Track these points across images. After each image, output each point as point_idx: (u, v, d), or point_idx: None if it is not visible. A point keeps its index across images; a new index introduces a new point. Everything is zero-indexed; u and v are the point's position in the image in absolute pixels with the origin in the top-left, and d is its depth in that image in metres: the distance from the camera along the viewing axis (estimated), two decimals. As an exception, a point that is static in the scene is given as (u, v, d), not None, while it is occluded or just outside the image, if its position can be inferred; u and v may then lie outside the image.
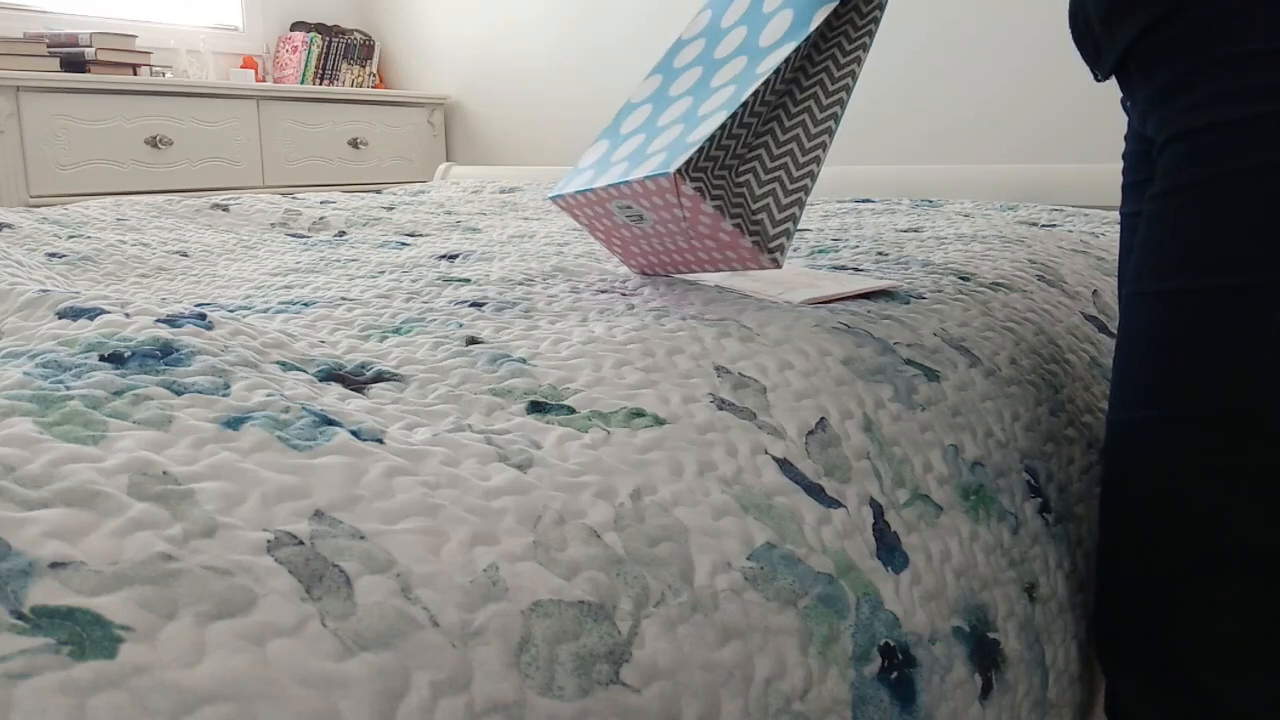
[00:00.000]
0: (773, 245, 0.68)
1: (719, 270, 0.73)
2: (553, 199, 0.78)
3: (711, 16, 0.81)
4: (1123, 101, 0.70)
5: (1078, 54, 0.85)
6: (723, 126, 0.65)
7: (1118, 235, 1.26)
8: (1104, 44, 0.63)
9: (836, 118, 0.72)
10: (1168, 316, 0.57)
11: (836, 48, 0.74)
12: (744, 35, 0.76)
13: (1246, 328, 0.53)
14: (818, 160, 0.71)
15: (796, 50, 0.70)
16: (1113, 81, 0.76)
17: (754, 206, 0.69)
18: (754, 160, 0.70)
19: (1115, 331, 0.93)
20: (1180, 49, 0.56)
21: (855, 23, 0.74)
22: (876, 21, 0.73)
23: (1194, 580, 0.56)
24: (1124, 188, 0.74)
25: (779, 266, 0.68)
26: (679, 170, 0.63)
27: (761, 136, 0.71)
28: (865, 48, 0.73)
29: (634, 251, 0.78)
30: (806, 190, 0.70)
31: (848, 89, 0.72)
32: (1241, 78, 0.53)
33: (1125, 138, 0.76)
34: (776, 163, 0.71)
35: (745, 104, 0.68)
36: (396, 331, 0.59)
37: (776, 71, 0.68)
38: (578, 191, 0.75)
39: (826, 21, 0.74)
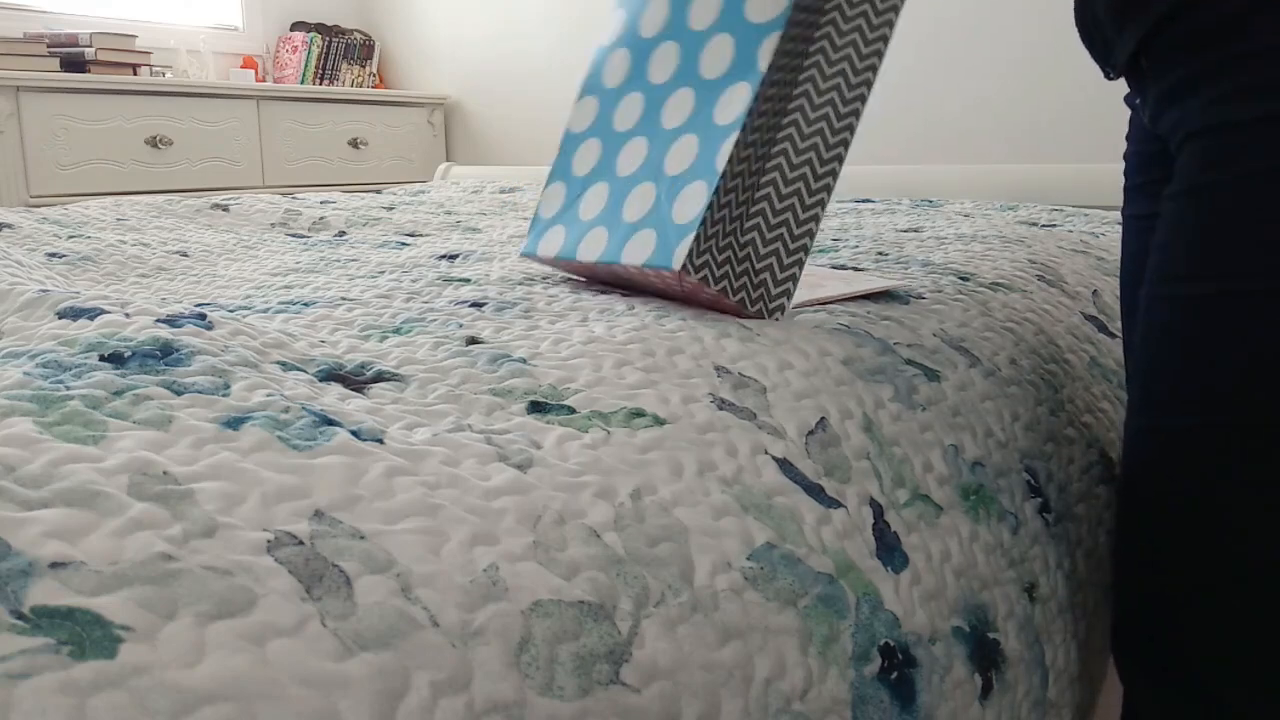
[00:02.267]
0: (773, 305, 0.66)
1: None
2: (524, 256, 0.76)
3: (627, 19, 0.76)
4: (1129, 99, 0.69)
5: (1078, 54, 0.84)
6: (707, 205, 0.62)
7: (1117, 236, 1.26)
8: (1114, 40, 0.62)
9: (841, 158, 0.67)
10: (1188, 321, 0.55)
11: (836, 90, 0.67)
12: (677, 57, 0.70)
13: (1269, 334, 0.52)
14: (823, 203, 0.67)
15: (757, 96, 0.63)
16: (1113, 80, 0.75)
17: (758, 266, 0.66)
18: (757, 216, 0.66)
19: (1115, 331, 0.93)
20: (1198, 44, 0.55)
21: (854, 62, 0.67)
22: (880, 56, 0.67)
23: (1217, 591, 0.55)
24: (1127, 189, 0.73)
25: (777, 320, 0.66)
26: (685, 264, 0.61)
27: (763, 189, 0.66)
28: (871, 80, 0.67)
29: (611, 282, 0.75)
30: (809, 243, 0.66)
31: (851, 128, 0.67)
32: (1263, 74, 0.52)
33: (1127, 138, 0.75)
34: (779, 217, 0.66)
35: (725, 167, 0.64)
36: (397, 331, 0.59)
37: (743, 124, 0.63)
38: (559, 259, 0.73)
39: (813, 24, 0.67)
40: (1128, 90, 0.67)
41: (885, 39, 0.67)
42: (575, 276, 0.80)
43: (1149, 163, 0.70)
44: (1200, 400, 0.55)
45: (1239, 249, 0.53)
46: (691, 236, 0.62)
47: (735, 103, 0.64)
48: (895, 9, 0.67)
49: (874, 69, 0.67)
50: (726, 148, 0.63)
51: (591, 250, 0.69)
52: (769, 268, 0.66)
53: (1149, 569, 0.59)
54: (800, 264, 0.67)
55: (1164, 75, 0.58)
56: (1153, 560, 0.58)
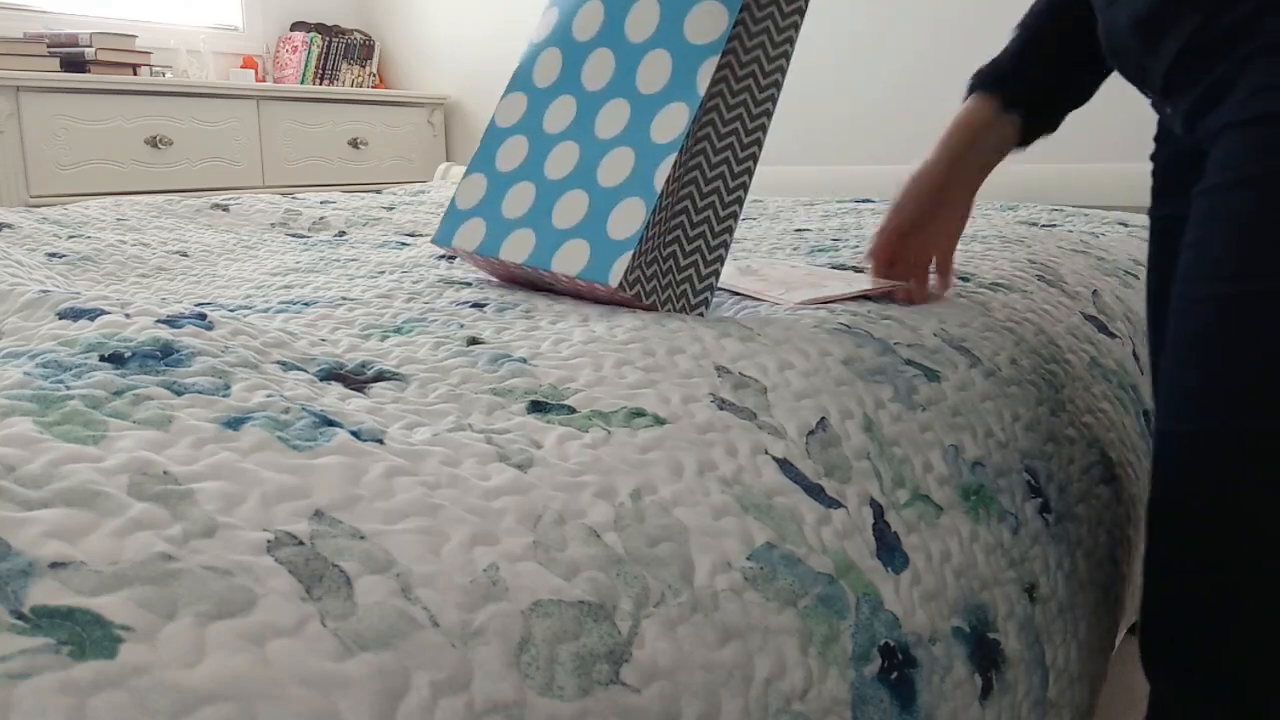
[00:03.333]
0: (695, 303, 0.68)
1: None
2: (436, 243, 0.75)
3: (559, 18, 0.76)
4: (1157, 106, 0.68)
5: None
6: (645, 223, 0.64)
7: (1117, 236, 1.26)
8: (1149, 63, 0.61)
9: (754, 162, 0.69)
10: (1223, 321, 0.54)
11: (747, 92, 0.69)
12: (612, 66, 0.70)
13: None
14: (739, 204, 0.69)
15: (694, 118, 0.65)
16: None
17: (679, 276, 0.68)
18: (677, 229, 0.68)
19: (1116, 331, 0.93)
20: (1233, 40, 0.54)
21: (762, 64, 0.69)
22: (788, 57, 0.69)
23: (1245, 594, 0.54)
24: (1154, 191, 0.73)
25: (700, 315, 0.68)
26: (622, 282, 0.63)
27: (681, 201, 0.68)
28: (779, 81, 0.69)
29: (524, 283, 0.75)
30: (727, 245, 0.69)
31: (764, 128, 0.69)
32: None
33: (1155, 139, 0.74)
34: (698, 228, 0.68)
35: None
36: (398, 331, 0.59)
37: (681, 146, 0.65)
38: (478, 253, 0.72)
39: (738, 40, 0.68)
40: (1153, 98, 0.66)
41: (791, 41, 0.69)
42: (488, 275, 0.80)
43: (1177, 164, 0.69)
44: (1230, 403, 0.54)
45: (1268, 247, 0.52)
46: (630, 254, 0.63)
47: (673, 122, 0.66)
48: (800, 12, 0.69)
49: (782, 71, 0.69)
50: (665, 168, 0.65)
51: (517, 251, 0.69)
52: (689, 278, 0.68)
53: (1178, 571, 0.58)
54: (718, 268, 0.69)
55: (1198, 81, 0.57)
56: (1182, 562, 0.58)
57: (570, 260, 0.66)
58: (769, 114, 0.69)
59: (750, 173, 0.69)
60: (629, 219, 0.64)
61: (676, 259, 0.68)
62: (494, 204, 0.73)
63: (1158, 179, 0.72)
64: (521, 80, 0.76)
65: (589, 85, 0.71)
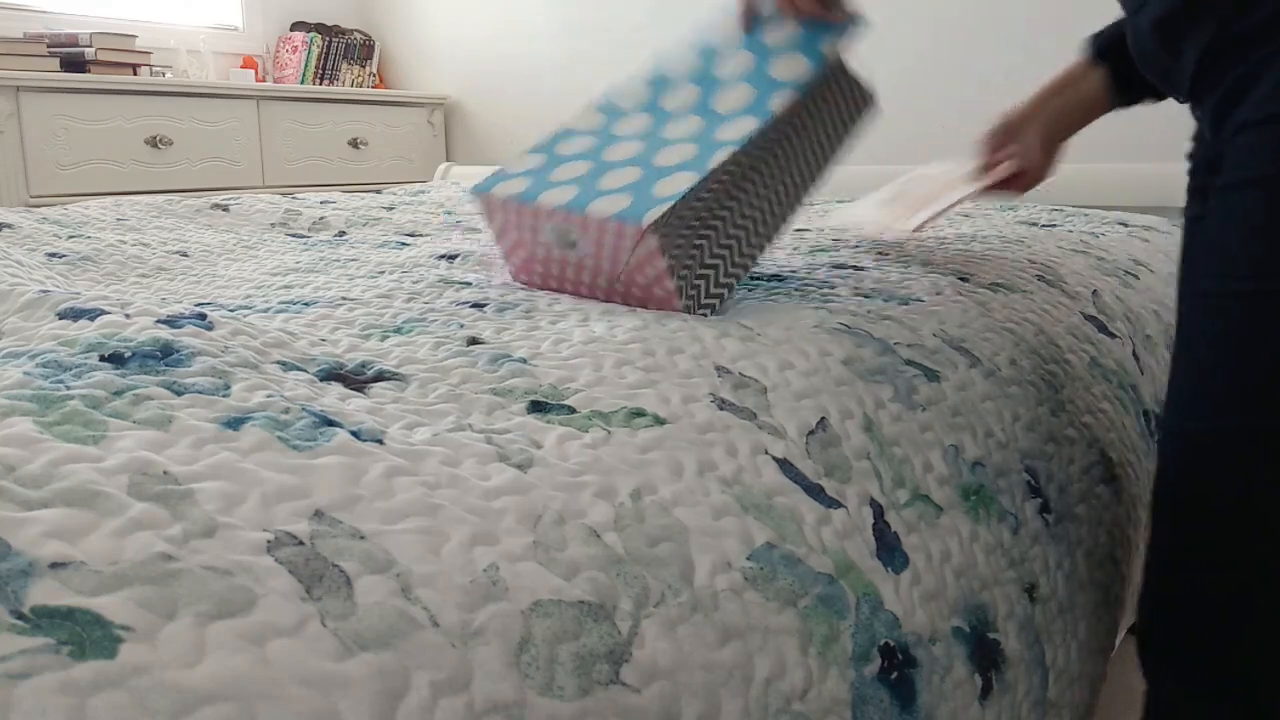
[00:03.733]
0: (704, 304, 0.70)
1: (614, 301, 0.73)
2: (474, 192, 0.75)
3: (655, 63, 0.83)
4: (1192, 109, 0.68)
5: (1077, 53, 0.86)
6: (692, 188, 0.66)
7: (1117, 235, 1.26)
8: (1172, 67, 0.62)
9: (794, 209, 0.76)
10: (1239, 320, 0.54)
11: (815, 142, 0.78)
12: (696, 94, 0.77)
13: None
14: (773, 235, 0.75)
15: (761, 131, 0.71)
16: (1184, 104, 0.75)
17: (699, 271, 0.69)
18: (714, 227, 0.71)
19: (1115, 331, 0.93)
20: (1251, 43, 0.54)
21: (835, 121, 0.79)
22: (854, 122, 0.79)
23: (1254, 593, 0.54)
24: (1188, 190, 0.73)
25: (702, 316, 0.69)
26: (653, 224, 0.63)
27: (725, 207, 0.71)
28: (839, 145, 0.78)
29: (535, 268, 0.75)
30: (753, 261, 0.73)
31: (816, 184, 0.77)
32: None
33: (1193, 138, 0.75)
34: (732, 235, 0.72)
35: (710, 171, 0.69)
36: (398, 331, 0.59)
37: (742, 147, 0.69)
38: (515, 199, 0.72)
39: (807, 111, 0.78)
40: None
41: (850, 132, 0.82)
42: (501, 258, 0.80)
43: (1210, 162, 0.69)
44: (1245, 402, 0.54)
45: None
46: (668, 206, 0.64)
47: (740, 128, 0.71)
48: (864, 112, 0.82)
49: (834, 155, 0.80)
50: (722, 155, 0.68)
51: (554, 199, 0.69)
52: (706, 276, 0.70)
53: (1186, 570, 0.58)
54: (733, 282, 0.73)
55: (1218, 82, 0.57)
56: (1190, 561, 0.58)
57: (607, 207, 0.66)
58: (815, 182, 0.78)
59: (787, 221, 0.76)
60: (676, 184, 0.66)
61: (703, 252, 0.69)
62: (545, 171, 0.75)
63: (1191, 179, 0.73)
64: (604, 102, 0.81)
65: (667, 106, 0.77)
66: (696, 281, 0.69)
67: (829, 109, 0.80)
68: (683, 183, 0.66)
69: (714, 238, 0.71)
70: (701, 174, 0.66)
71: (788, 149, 0.77)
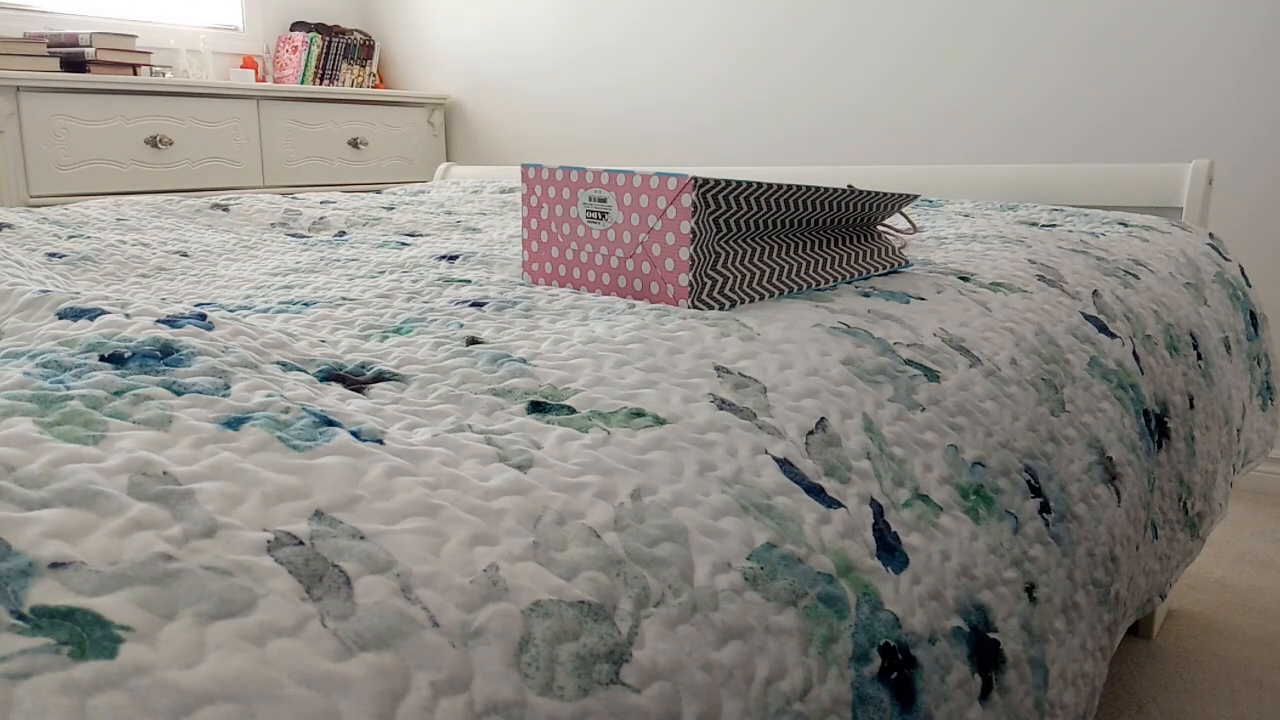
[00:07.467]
0: (716, 298, 0.72)
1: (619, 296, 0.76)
2: (526, 166, 0.80)
3: None
4: None
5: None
6: (740, 181, 0.71)
7: (1117, 235, 1.26)
8: None
9: (839, 278, 0.83)
10: None
11: (856, 253, 0.86)
12: None
13: None
14: (801, 284, 0.79)
15: (838, 200, 0.79)
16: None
17: (721, 267, 0.72)
18: (753, 246, 0.75)
19: (1115, 332, 0.93)
20: None
21: (875, 250, 0.88)
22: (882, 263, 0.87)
23: None
24: None
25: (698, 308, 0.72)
26: (695, 183, 0.67)
27: (776, 248, 0.77)
28: (863, 266, 0.85)
29: (552, 255, 0.79)
30: (770, 294, 0.76)
31: (857, 275, 0.84)
32: None
33: None
34: (768, 256, 0.76)
35: (771, 205, 0.74)
36: (397, 331, 0.59)
37: (812, 201, 0.77)
38: (563, 167, 0.78)
39: (867, 228, 0.87)
40: None
41: (894, 264, 0.90)
42: (525, 245, 0.82)
43: None
44: None
45: None
46: (718, 180, 0.68)
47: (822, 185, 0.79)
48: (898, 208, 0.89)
49: (876, 271, 0.88)
50: (783, 182, 0.77)
51: (600, 166, 0.75)
52: (727, 276, 0.73)
53: None
54: (751, 295, 0.75)
55: None
56: None
57: (655, 175, 0.70)
58: (859, 273, 0.86)
59: (828, 282, 0.82)
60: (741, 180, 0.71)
61: (734, 250, 0.73)
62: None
63: None
64: None
65: None
66: (714, 276, 0.71)
67: (878, 244, 0.90)
68: (746, 177, 0.72)
69: (753, 249, 0.75)
70: (753, 180, 0.72)
71: (838, 239, 0.85)
